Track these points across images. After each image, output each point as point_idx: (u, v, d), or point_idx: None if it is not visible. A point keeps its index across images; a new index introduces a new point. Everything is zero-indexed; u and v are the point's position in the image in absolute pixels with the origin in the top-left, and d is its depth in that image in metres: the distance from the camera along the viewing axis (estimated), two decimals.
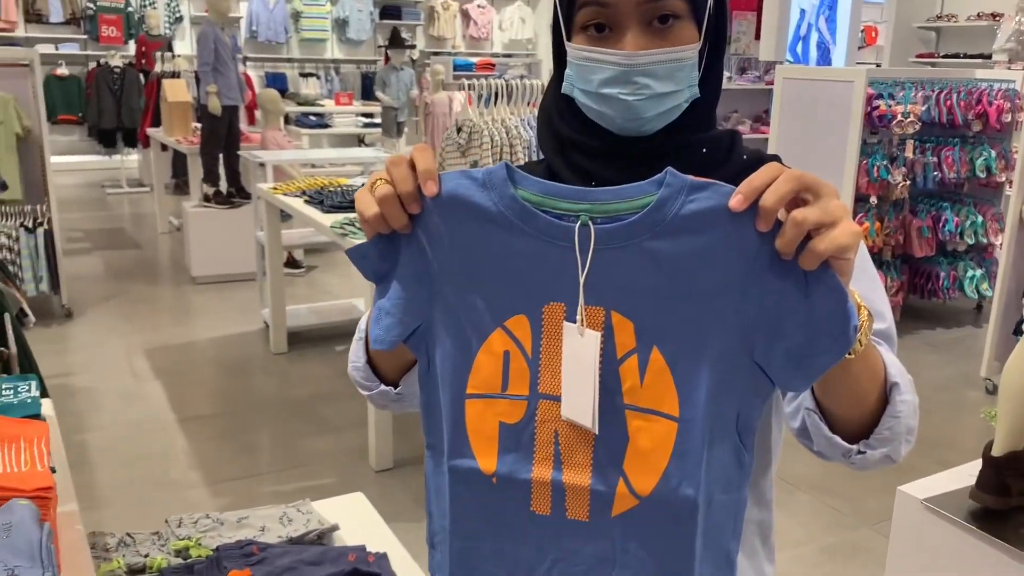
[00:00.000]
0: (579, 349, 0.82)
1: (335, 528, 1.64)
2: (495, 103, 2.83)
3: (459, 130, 2.87)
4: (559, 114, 0.99)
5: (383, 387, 1.02)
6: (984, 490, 1.75)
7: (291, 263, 6.03)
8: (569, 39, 0.93)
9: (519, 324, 0.83)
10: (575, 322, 0.81)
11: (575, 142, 0.97)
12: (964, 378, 4.39)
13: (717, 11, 0.94)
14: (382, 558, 1.57)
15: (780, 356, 0.76)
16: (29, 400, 1.34)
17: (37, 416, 1.30)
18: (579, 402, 0.82)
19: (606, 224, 0.78)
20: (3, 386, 1.38)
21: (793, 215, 0.70)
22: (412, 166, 0.80)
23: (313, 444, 3.61)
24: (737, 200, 0.73)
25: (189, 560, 1.47)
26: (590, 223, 0.79)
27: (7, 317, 1.71)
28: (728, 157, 0.96)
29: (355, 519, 1.73)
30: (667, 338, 0.79)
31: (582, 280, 0.80)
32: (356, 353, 1.06)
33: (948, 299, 5.22)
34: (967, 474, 1.89)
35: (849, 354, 0.77)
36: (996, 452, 1.74)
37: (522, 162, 2.86)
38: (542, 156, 1.06)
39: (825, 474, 3.33)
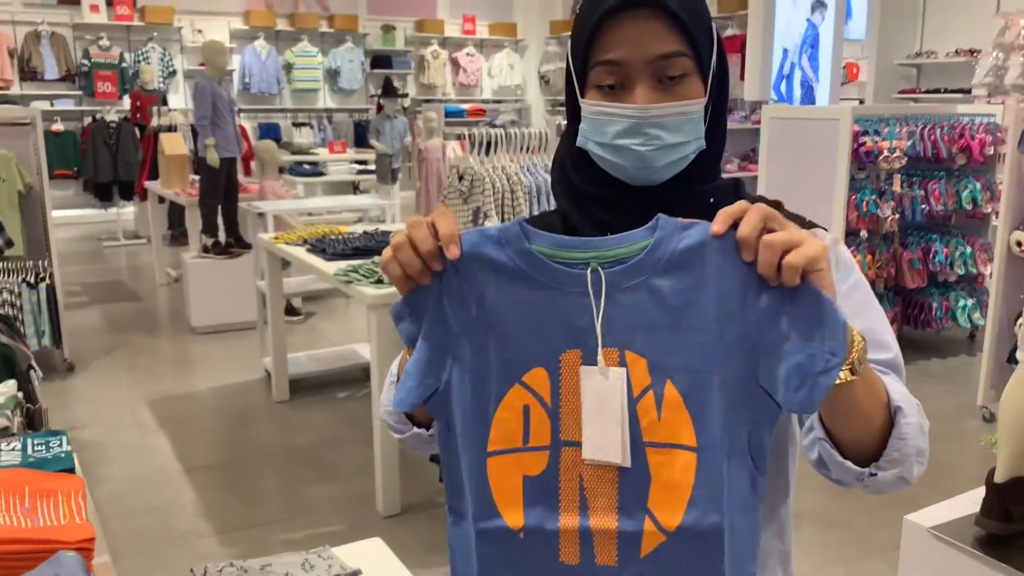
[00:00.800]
0: (602, 389, 0.87)
1: (358, 573, 1.67)
2: (495, 151, 2.91)
3: (461, 178, 2.95)
4: (574, 166, 1.05)
5: (415, 430, 1.06)
6: (988, 516, 1.79)
7: (290, 311, 6.07)
8: (583, 96, 1.00)
9: (537, 377, 0.87)
10: (595, 364, 0.86)
11: (589, 194, 1.03)
12: (961, 407, 4.44)
13: (720, 69, 1.01)
14: None
15: (783, 378, 0.82)
16: (62, 455, 1.37)
17: (70, 470, 1.34)
18: (604, 441, 0.87)
19: (612, 268, 0.85)
20: (35, 442, 1.42)
21: (764, 239, 0.79)
22: (433, 228, 0.86)
23: (320, 491, 3.62)
24: (716, 226, 0.82)
25: None
26: (600, 268, 0.85)
27: (33, 374, 1.75)
28: (733, 203, 1.02)
29: (375, 564, 1.76)
30: (679, 370, 0.85)
31: (599, 322, 0.85)
32: (387, 397, 1.10)
33: (941, 329, 5.29)
34: (971, 501, 1.93)
35: (851, 373, 0.82)
36: (998, 479, 1.79)
37: (524, 207, 2.94)
38: (555, 206, 1.12)
39: (831, 507, 3.36)
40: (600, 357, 0.86)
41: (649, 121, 0.95)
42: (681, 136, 0.97)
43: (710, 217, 0.88)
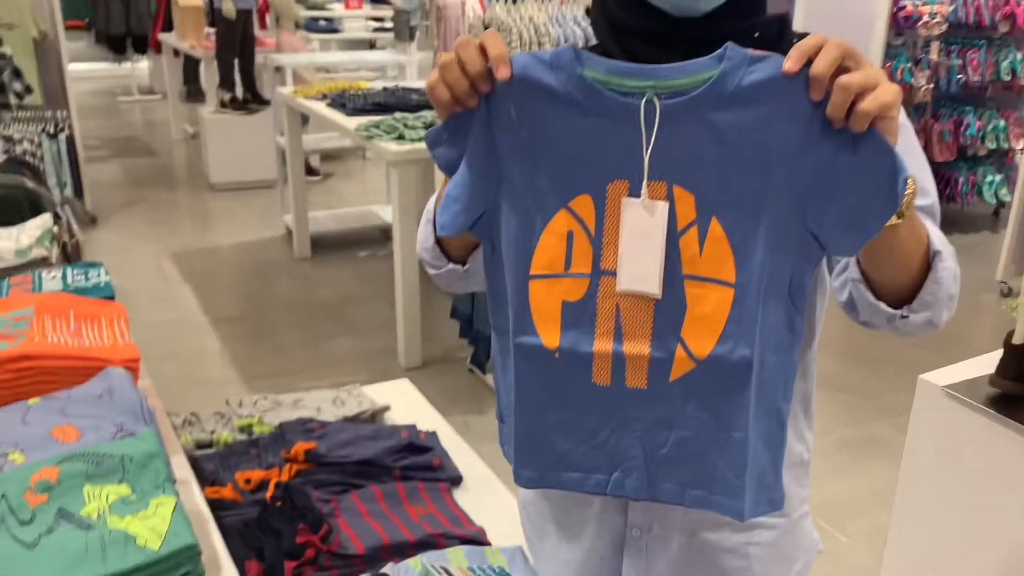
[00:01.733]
0: (643, 222, 0.87)
1: (387, 408, 1.73)
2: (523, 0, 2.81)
3: (486, 28, 2.86)
4: (615, 3, 1.01)
5: (451, 265, 1.07)
6: (1004, 376, 1.82)
7: (308, 170, 6.04)
8: None
9: (583, 204, 0.87)
10: (639, 197, 0.85)
11: (629, 26, 1.00)
12: (980, 282, 4.44)
13: None
14: (432, 435, 1.66)
15: (832, 219, 0.81)
16: (102, 284, 1.40)
17: (111, 298, 1.37)
18: (641, 272, 0.88)
19: (670, 99, 0.82)
20: (74, 272, 1.45)
21: (839, 80, 0.76)
22: (482, 49, 0.83)
23: (342, 344, 3.71)
24: (789, 64, 0.78)
25: (253, 436, 1.57)
26: (655, 99, 0.82)
27: (67, 209, 1.76)
28: (779, 40, 0.98)
29: (402, 402, 1.82)
30: (726, 208, 0.84)
31: (647, 155, 0.84)
32: (424, 234, 1.11)
33: (966, 204, 5.22)
34: (987, 363, 1.96)
35: (897, 217, 0.82)
36: (1017, 340, 1.81)
37: None
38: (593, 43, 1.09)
39: (842, 371, 3.43)
40: (644, 190, 0.85)
41: None
42: None
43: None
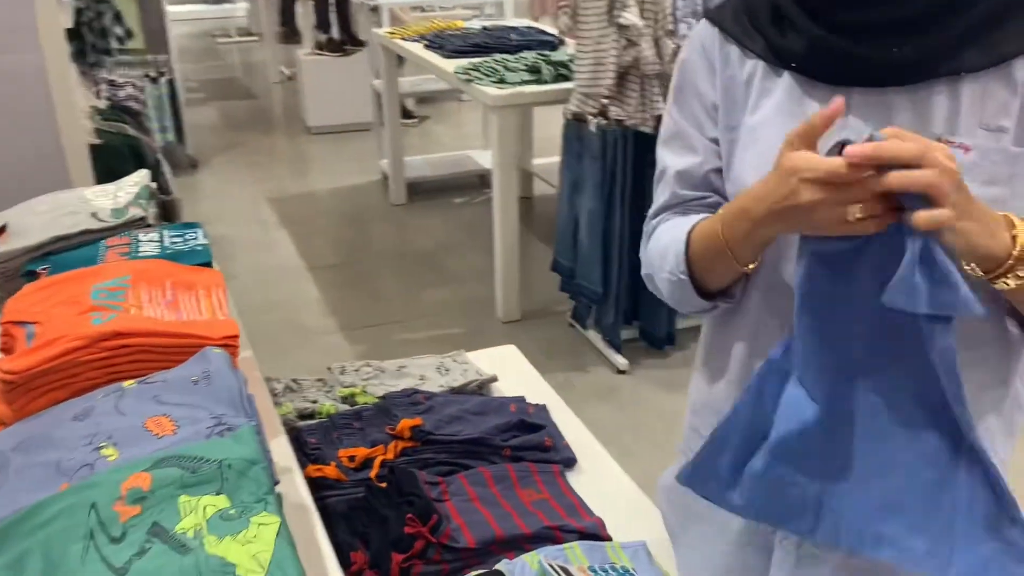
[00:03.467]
0: None
1: (494, 379, 1.63)
2: None
3: None
4: None
5: (719, 304, 0.96)
6: None
7: (404, 114, 5.95)
8: None
9: None
10: None
11: None
12: None
13: None
14: (541, 409, 1.55)
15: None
16: (199, 248, 1.33)
17: (208, 264, 1.29)
18: None
19: None
20: (171, 234, 1.37)
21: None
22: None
23: (439, 294, 3.64)
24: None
25: (356, 407, 1.48)
26: None
27: (164, 166, 1.69)
28: None
29: (509, 370, 1.72)
30: None
31: None
32: (657, 252, 1.00)
33: None
34: None
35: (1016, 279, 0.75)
36: None
37: None
38: None
39: None
40: None
41: None
42: None
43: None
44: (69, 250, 1.35)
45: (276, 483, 0.80)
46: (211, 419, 0.87)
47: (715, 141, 0.96)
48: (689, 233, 0.93)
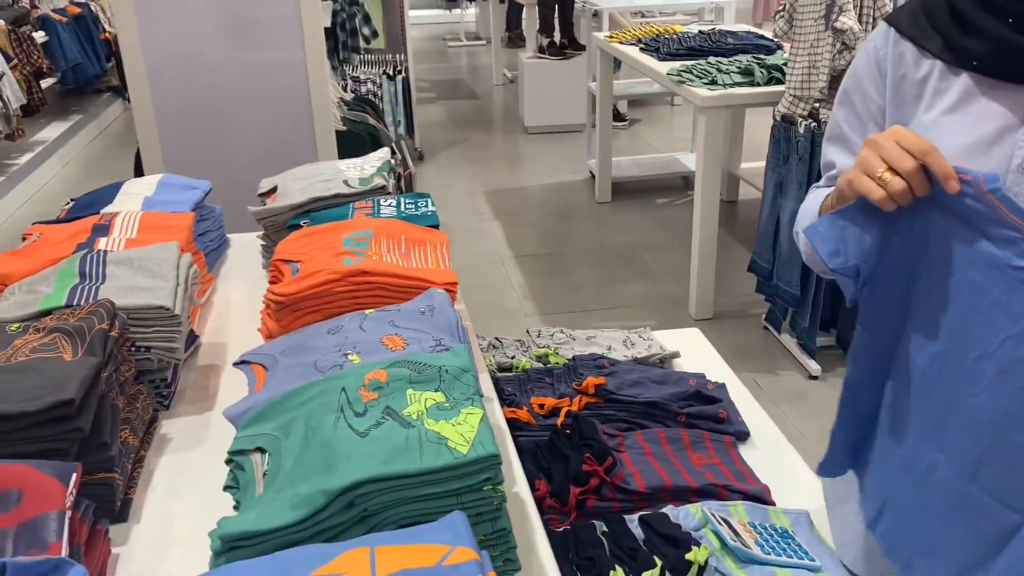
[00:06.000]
0: None
1: (676, 355, 1.74)
2: None
3: None
4: None
5: None
6: None
7: (616, 116, 6.11)
8: None
9: None
10: None
11: None
12: None
13: None
14: (721, 387, 1.65)
15: None
16: (429, 213, 1.55)
17: (436, 226, 1.51)
18: None
19: None
20: (406, 201, 1.61)
21: None
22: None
23: (634, 288, 3.77)
24: None
25: (548, 365, 1.65)
26: None
27: (403, 145, 1.94)
28: None
29: (692, 350, 1.82)
30: None
31: None
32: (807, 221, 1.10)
33: None
34: None
35: None
36: None
37: (887, 2, 2.61)
38: None
39: None
40: None
41: None
42: None
43: None
44: (325, 209, 1.61)
45: (481, 395, 0.98)
46: (433, 340, 1.07)
47: None
48: (827, 197, 1.02)
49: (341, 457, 0.82)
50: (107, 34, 6.80)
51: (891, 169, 0.82)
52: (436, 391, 0.92)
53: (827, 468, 1.05)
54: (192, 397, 1.26)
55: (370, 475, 0.79)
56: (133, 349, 1.15)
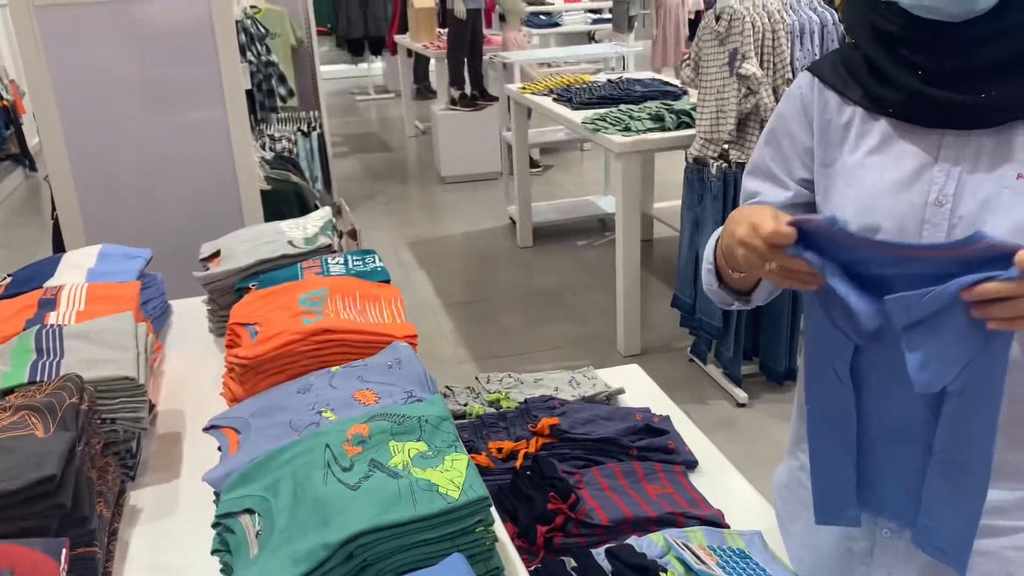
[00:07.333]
0: None
1: (621, 391, 1.81)
2: None
3: (717, 19, 2.85)
4: (874, 12, 1.01)
5: (739, 304, 1.17)
6: None
7: (530, 163, 6.26)
8: None
9: None
10: None
11: (896, 36, 0.99)
12: None
13: None
14: (666, 419, 1.72)
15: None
16: (378, 269, 1.59)
17: (387, 281, 1.55)
18: None
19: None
20: (353, 258, 1.64)
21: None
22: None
23: (563, 329, 3.85)
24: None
25: (501, 410, 1.70)
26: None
27: (342, 200, 1.98)
28: None
29: (635, 386, 1.90)
30: None
31: None
32: (707, 281, 1.18)
33: None
34: None
35: None
36: None
37: (785, 48, 2.81)
38: (818, 47, 1.10)
39: None
40: None
41: None
42: None
43: None
44: (271, 271, 1.63)
45: (460, 442, 1.02)
46: (403, 393, 1.11)
47: (803, 181, 1.14)
48: (716, 243, 1.12)
49: (336, 511, 0.85)
50: (4, 102, 6.61)
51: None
52: (418, 441, 0.96)
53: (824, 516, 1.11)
54: (157, 466, 1.26)
55: (369, 526, 0.82)
56: (99, 421, 1.14)
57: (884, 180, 1.02)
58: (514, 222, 5.00)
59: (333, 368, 1.21)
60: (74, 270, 1.61)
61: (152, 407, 1.39)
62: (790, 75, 2.86)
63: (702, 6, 7.42)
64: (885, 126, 1.05)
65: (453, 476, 0.88)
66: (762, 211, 0.95)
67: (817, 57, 2.87)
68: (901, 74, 1.00)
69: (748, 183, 1.22)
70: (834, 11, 2.74)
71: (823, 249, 0.89)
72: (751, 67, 2.75)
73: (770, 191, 1.17)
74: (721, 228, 1.17)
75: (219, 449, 1.11)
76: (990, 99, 0.95)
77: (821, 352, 1.01)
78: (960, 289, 0.82)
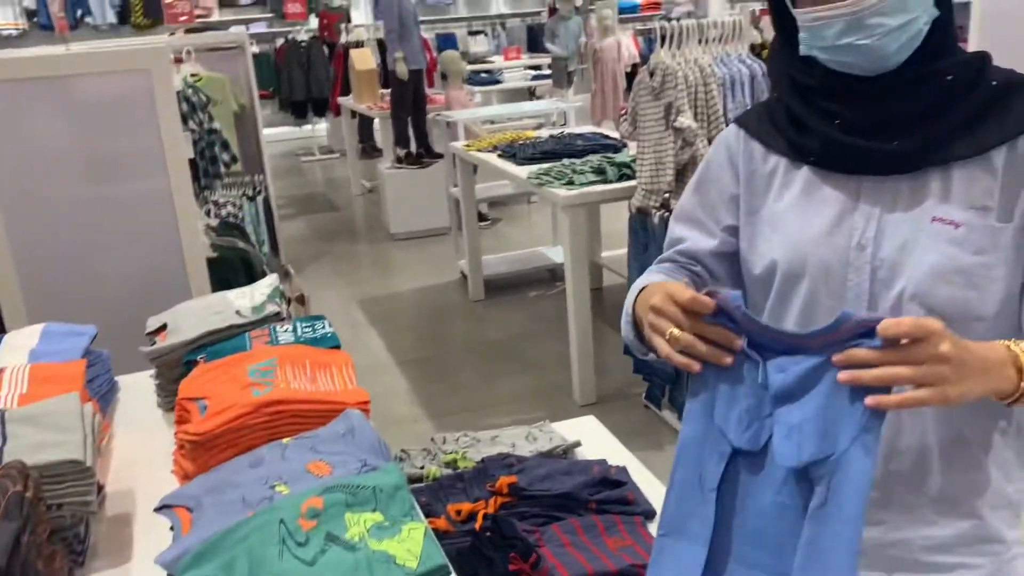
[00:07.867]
0: None
1: (578, 444, 1.82)
2: (686, 43, 2.88)
3: (652, 74, 2.94)
4: (792, 62, 1.07)
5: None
6: None
7: (479, 217, 6.32)
8: (795, 5, 1.01)
9: None
10: None
11: (815, 89, 1.05)
12: None
13: None
14: (622, 470, 1.73)
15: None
16: (328, 335, 1.59)
17: (337, 347, 1.55)
18: None
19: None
20: (303, 324, 1.64)
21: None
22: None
23: (519, 381, 3.86)
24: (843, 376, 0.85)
25: (458, 470, 1.69)
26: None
27: (289, 265, 1.98)
28: (976, 82, 1.00)
29: (591, 438, 1.91)
30: None
31: None
32: (625, 329, 1.20)
33: None
34: None
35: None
36: None
37: (718, 100, 2.90)
38: (749, 98, 1.16)
39: None
40: None
41: (868, 11, 0.94)
42: (905, 14, 0.95)
43: (950, 95, 0.94)
44: (219, 342, 1.62)
45: (416, 509, 1.02)
46: (358, 462, 1.10)
47: (729, 228, 1.17)
48: (644, 286, 1.12)
49: None
50: None
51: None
52: (374, 511, 0.96)
53: None
54: (106, 549, 1.22)
55: None
56: (45, 508, 1.12)
57: (809, 226, 1.07)
58: (465, 276, 5.03)
59: (285, 440, 1.20)
60: (16, 351, 1.58)
61: (100, 488, 1.35)
62: (723, 125, 2.95)
63: (638, 59, 7.63)
64: (808, 174, 1.09)
65: (410, 546, 0.88)
66: (677, 283, 0.98)
67: (749, 107, 2.98)
68: (820, 124, 1.04)
69: (676, 228, 1.24)
70: (763, 63, 2.86)
71: (733, 323, 0.92)
72: (686, 120, 2.84)
73: (697, 237, 1.20)
74: (642, 277, 1.19)
75: (171, 529, 1.09)
76: (903, 146, 1.00)
77: (692, 461, 0.97)
78: (831, 354, 0.85)
